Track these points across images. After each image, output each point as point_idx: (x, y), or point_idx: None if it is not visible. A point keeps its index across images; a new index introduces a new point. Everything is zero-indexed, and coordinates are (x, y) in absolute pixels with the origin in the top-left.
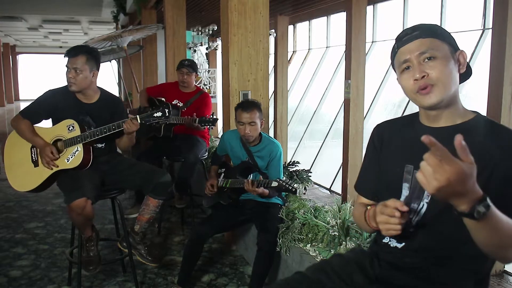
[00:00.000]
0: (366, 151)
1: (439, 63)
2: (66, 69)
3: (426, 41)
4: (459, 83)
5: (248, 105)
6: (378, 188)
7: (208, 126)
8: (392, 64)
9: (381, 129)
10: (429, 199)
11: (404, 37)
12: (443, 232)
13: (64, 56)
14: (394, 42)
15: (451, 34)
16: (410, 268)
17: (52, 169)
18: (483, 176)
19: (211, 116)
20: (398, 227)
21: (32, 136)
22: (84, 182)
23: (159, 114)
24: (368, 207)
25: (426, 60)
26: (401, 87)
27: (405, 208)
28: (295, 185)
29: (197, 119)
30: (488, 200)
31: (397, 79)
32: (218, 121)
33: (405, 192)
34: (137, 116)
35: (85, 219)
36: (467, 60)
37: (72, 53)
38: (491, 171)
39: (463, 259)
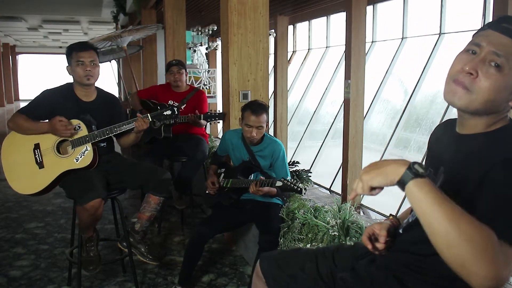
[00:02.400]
0: None
1: (498, 78)
2: (79, 63)
3: (510, 47)
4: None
5: (258, 108)
6: None
7: (214, 121)
8: (474, 35)
9: (434, 130)
10: None
11: (503, 23)
12: (415, 240)
13: (78, 50)
14: (493, 20)
15: None
16: (379, 266)
17: (72, 157)
18: (471, 184)
19: (218, 111)
20: (369, 248)
21: (35, 124)
22: (95, 182)
23: (168, 112)
24: (390, 217)
25: (493, 64)
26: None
27: (381, 240)
28: (300, 185)
29: (202, 115)
30: (417, 166)
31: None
32: (225, 115)
33: None
34: (148, 114)
35: (95, 220)
36: None
37: (86, 47)
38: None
39: (427, 273)
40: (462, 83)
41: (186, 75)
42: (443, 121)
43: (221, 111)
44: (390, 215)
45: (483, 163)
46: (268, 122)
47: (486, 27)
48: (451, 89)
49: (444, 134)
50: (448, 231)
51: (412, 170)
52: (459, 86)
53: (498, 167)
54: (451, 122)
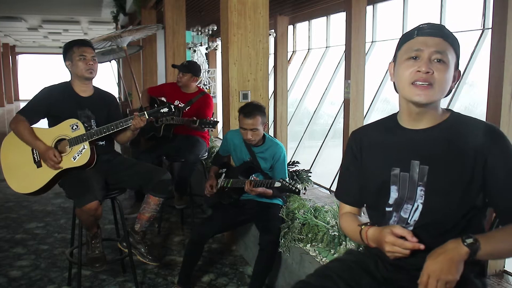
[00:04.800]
0: (344, 158)
1: (445, 69)
2: (82, 57)
3: (444, 44)
4: None
5: (250, 111)
6: (363, 194)
7: (208, 128)
8: (398, 48)
9: (358, 136)
10: (423, 199)
11: (428, 29)
12: (442, 231)
13: (81, 45)
14: (413, 29)
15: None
16: (416, 269)
17: (69, 156)
18: (477, 169)
19: (212, 119)
20: (407, 253)
21: (33, 139)
22: (92, 183)
23: (165, 110)
24: (363, 227)
25: (436, 60)
26: (395, 75)
27: (414, 239)
28: (298, 186)
29: (198, 120)
30: (466, 236)
31: (393, 65)
32: (218, 123)
33: (393, 195)
34: (145, 112)
35: (95, 219)
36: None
37: (88, 43)
38: (484, 164)
39: None
40: (426, 81)
41: (195, 80)
42: (359, 128)
43: (215, 120)
44: (363, 224)
45: (470, 149)
46: (266, 123)
47: (412, 36)
48: (417, 90)
49: (386, 134)
50: None
51: (467, 244)
52: (424, 85)
53: (494, 153)
54: (380, 123)
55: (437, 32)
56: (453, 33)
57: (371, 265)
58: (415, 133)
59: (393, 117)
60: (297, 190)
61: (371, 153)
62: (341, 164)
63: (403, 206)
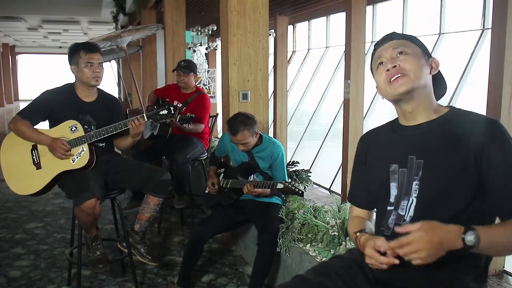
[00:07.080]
0: (354, 163)
1: (410, 57)
2: (88, 64)
3: (399, 41)
4: (436, 99)
5: (235, 128)
6: (371, 196)
7: (186, 125)
8: (371, 68)
9: (364, 141)
10: (417, 193)
11: (382, 40)
12: None
13: (88, 51)
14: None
15: (423, 43)
16: (410, 268)
17: (69, 158)
18: (471, 162)
19: (188, 114)
20: (384, 267)
21: (37, 135)
22: (91, 182)
23: (164, 112)
24: (358, 234)
25: (398, 54)
26: (376, 84)
27: (392, 256)
28: (301, 187)
29: (179, 116)
30: (471, 231)
31: (374, 78)
32: (193, 118)
33: (393, 192)
34: (144, 114)
35: (94, 219)
36: (440, 66)
37: (95, 48)
38: (479, 157)
39: (460, 253)
40: (397, 73)
41: (194, 77)
42: (367, 132)
43: (190, 115)
44: (357, 232)
45: (466, 143)
46: (256, 131)
47: (374, 52)
48: (394, 85)
49: (388, 134)
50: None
51: (467, 245)
52: (397, 77)
53: (491, 149)
54: (385, 125)
55: (389, 37)
56: (404, 34)
57: (364, 264)
58: (412, 129)
59: (396, 118)
60: (300, 192)
61: (375, 154)
62: (352, 168)
63: (400, 203)
